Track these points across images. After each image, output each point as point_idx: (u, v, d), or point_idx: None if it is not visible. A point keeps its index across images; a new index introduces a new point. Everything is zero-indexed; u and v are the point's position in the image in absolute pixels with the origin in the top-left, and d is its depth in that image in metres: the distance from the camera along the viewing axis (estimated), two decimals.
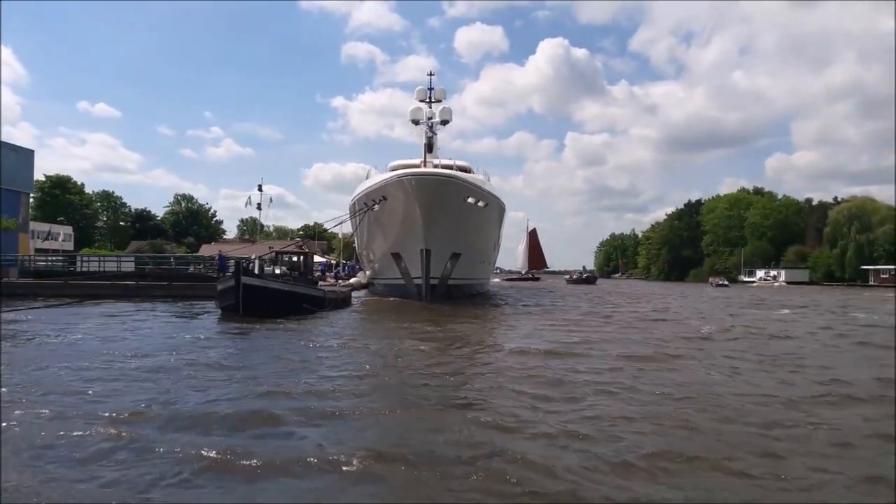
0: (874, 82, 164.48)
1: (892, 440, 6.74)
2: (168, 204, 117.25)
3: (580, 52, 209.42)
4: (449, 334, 16.75)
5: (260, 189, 25.83)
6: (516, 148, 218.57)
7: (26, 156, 66.56)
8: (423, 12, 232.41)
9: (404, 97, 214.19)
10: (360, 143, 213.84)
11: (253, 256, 25.31)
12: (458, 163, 45.45)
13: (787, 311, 29.58)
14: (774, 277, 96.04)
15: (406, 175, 28.39)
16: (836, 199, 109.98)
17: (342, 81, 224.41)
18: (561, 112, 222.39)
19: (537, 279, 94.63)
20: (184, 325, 18.81)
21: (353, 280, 42.49)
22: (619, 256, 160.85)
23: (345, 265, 55.95)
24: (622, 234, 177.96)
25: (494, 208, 34.14)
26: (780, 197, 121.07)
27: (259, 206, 25.80)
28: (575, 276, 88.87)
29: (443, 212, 28.94)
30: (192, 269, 41.27)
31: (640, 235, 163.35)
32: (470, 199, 30.06)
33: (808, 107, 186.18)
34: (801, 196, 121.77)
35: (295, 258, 27.17)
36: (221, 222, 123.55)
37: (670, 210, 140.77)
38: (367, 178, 47.34)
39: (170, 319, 20.83)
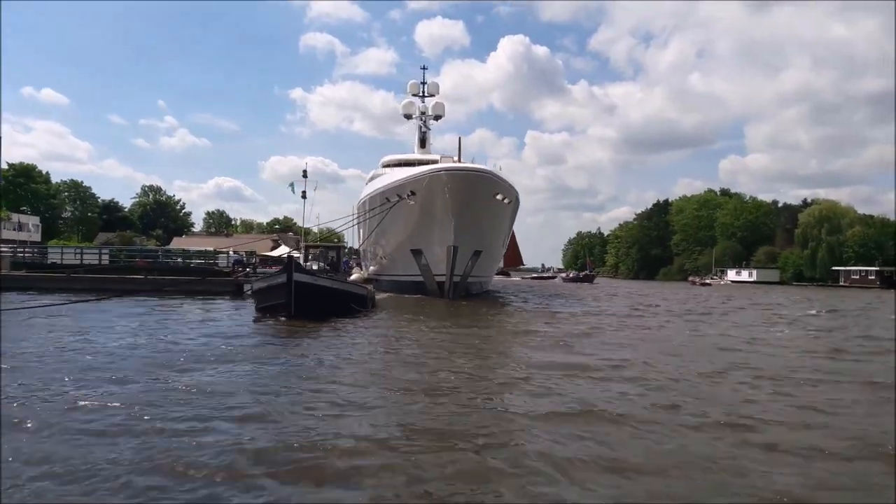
0: (824, 88, 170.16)
1: None
2: (135, 195, 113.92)
3: (541, 50, 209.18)
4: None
5: (305, 175, 24.37)
6: (477, 145, 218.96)
7: None
8: (384, 4, 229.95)
9: (364, 90, 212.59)
10: (319, 137, 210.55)
11: (303, 252, 23.94)
12: (435, 156, 44.84)
13: (813, 311, 29.78)
14: (721, 275, 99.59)
15: (442, 169, 27.73)
16: (804, 201, 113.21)
17: (301, 73, 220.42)
18: (521, 110, 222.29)
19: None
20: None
21: (353, 276, 41.59)
22: (586, 255, 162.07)
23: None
24: (589, 232, 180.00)
25: (513, 204, 33.68)
26: (747, 198, 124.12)
27: (304, 195, 24.28)
28: (571, 275, 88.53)
29: (473, 208, 28.43)
30: (171, 262, 39.86)
31: (605, 234, 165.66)
32: (498, 196, 29.56)
33: (761, 111, 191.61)
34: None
35: (326, 252, 25.77)
36: (190, 214, 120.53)
37: (627, 210, 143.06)
38: (371, 178, 46.30)
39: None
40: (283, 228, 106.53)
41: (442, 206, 28.18)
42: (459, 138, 30.62)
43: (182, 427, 6.68)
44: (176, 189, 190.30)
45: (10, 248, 43.40)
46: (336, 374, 10.20)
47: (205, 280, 30.27)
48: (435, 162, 38.66)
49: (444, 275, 30.84)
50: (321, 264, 23.17)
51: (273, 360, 11.41)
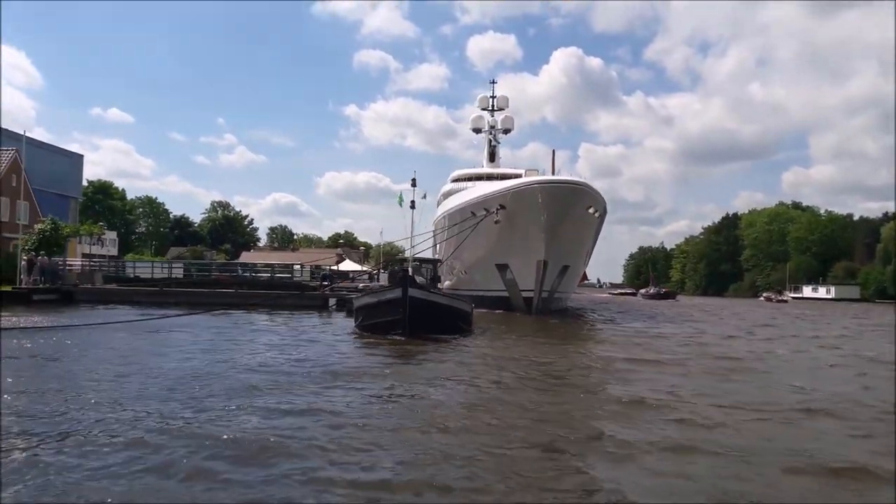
0: (893, 94, 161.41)
1: None
2: (204, 211, 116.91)
3: (595, 62, 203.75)
4: None
5: (413, 184, 23.57)
6: (529, 159, 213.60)
7: (76, 160, 66.20)
8: (436, 19, 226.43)
9: (417, 106, 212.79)
10: (372, 152, 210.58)
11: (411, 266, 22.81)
12: (514, 170, 44.11)
13: None
14: (780, 292, 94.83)
15: (535, 182, 27.05)
16: (885, 214, 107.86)
17: (354, 89, 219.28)
18: (575, 122, 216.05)
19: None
20: None
21: None
22: (649, 270, 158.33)
23: None
24: (651, 246, 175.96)
25: (602, 216, 32.56)
26: (822, 212, 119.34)
27: (413, 205, 23.42)
28: (651, 291, 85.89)
29: (566, 222, 27.63)
30: (250, 276, 40.23)
31: (668, 249, 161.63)
32: (590, 209, 28.65)
33: (826, 119, 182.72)
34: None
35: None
36: (257, 229, 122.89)
37: (685, 223, 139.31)
38: (444, 193, 45.92)
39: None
40: (346, 243, 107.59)
41: (533, 220, 27.42)
42: (553, 151, 30.15)
43: None
44: (236, 204, 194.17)
45: (96, 262, 44.63)
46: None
47: (292, 294, 30.20)
48: (512, 176, 38.05)
49: (530, 290, 30.08)
50: (422, 279, 22.22)
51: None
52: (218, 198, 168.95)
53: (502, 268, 31.13)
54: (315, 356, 13.79)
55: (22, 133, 33.80)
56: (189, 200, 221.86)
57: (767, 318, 37.39)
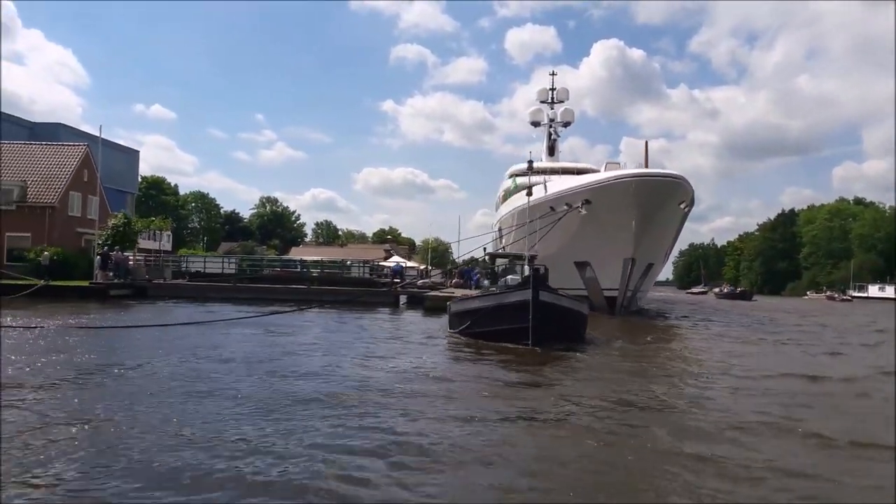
0: None
1: None
2: (253, 206, 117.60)
3: (636, 54, 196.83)
4: None
5: (530, 168, 21.91)
6: (569, 153, 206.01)
7: (133, 156, 66.80)
8: (474, 12, 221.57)
9: (454, 100, 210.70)
10: (409, 148, 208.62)
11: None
12: (580, 164, 42.53)
13: None
14: (843, 291, 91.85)
15: (629, 176, 25.65)
16: None
17: (391, 84, 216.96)
18: (616, 115, 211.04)
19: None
20: None
21: None
22: (700, 267, 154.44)
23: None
24: (702, 244, 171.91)
25: (688, 209, 30.72)
26: (885, 207, 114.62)
27: (529, 192, 21.59)
28: (726, 290, 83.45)
29: (656, 217, 26.19)
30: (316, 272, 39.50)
31: (719, 246, 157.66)
32: (682, 204, 27.13)
33: (880, 112, 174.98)
34: None
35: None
36: (304, 225, 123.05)
37: (730, 220, 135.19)
38: (507, 189, 44.42)
39: None
40: (392, 238, 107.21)
41: (622, 216, 26.01)
42: (646, 142, 28.78)
43: None
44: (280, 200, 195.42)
45: (158, 257, 44.52)
46: None
47: (366, 291, 29.42)
48: (583, 171, 36.62)
49: (613, 289, 28.71)
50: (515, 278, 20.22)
51: None
52: (259, 194, 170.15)
53: (582, 266, 29.77)
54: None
55: (98, 134, 33.23)
56: (230, 196, 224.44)
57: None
